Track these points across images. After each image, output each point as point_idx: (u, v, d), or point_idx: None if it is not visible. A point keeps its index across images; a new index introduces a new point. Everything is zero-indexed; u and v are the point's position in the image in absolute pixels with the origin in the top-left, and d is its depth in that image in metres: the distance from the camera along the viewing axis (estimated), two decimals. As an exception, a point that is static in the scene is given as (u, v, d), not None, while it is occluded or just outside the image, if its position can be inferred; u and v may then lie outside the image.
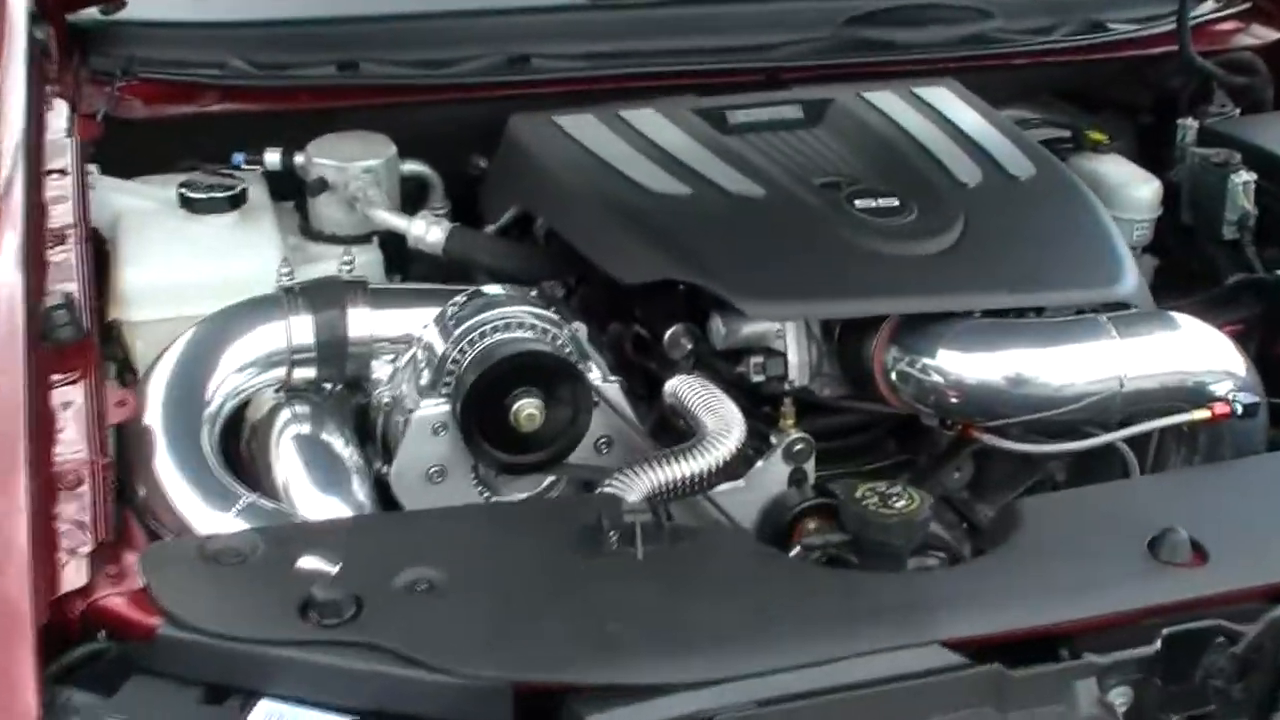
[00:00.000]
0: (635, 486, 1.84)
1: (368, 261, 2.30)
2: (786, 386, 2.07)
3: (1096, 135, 2.72)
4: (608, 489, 1.83)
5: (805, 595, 1.57)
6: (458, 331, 1.92)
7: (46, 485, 1.61)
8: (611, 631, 1.49)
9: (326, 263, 2.26)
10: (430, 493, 1.95)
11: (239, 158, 2.37)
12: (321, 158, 2.33)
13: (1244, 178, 2.55)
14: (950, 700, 1.50)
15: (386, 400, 1.99)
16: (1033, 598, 1.59)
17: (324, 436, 1.97)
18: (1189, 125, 2.76)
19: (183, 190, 2.23)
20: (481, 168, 2.46)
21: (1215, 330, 2.03)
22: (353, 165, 2.32)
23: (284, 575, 1.54)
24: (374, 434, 2.03)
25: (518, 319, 1.94)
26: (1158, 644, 1.58)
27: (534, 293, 2.05)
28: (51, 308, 1.79)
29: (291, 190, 2.41)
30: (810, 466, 2.09)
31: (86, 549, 1.55)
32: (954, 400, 1.98)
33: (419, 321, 2.00)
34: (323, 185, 2.31)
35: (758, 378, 2.07)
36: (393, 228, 2.26)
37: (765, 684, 1.46)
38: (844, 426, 2.19)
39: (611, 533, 1.60)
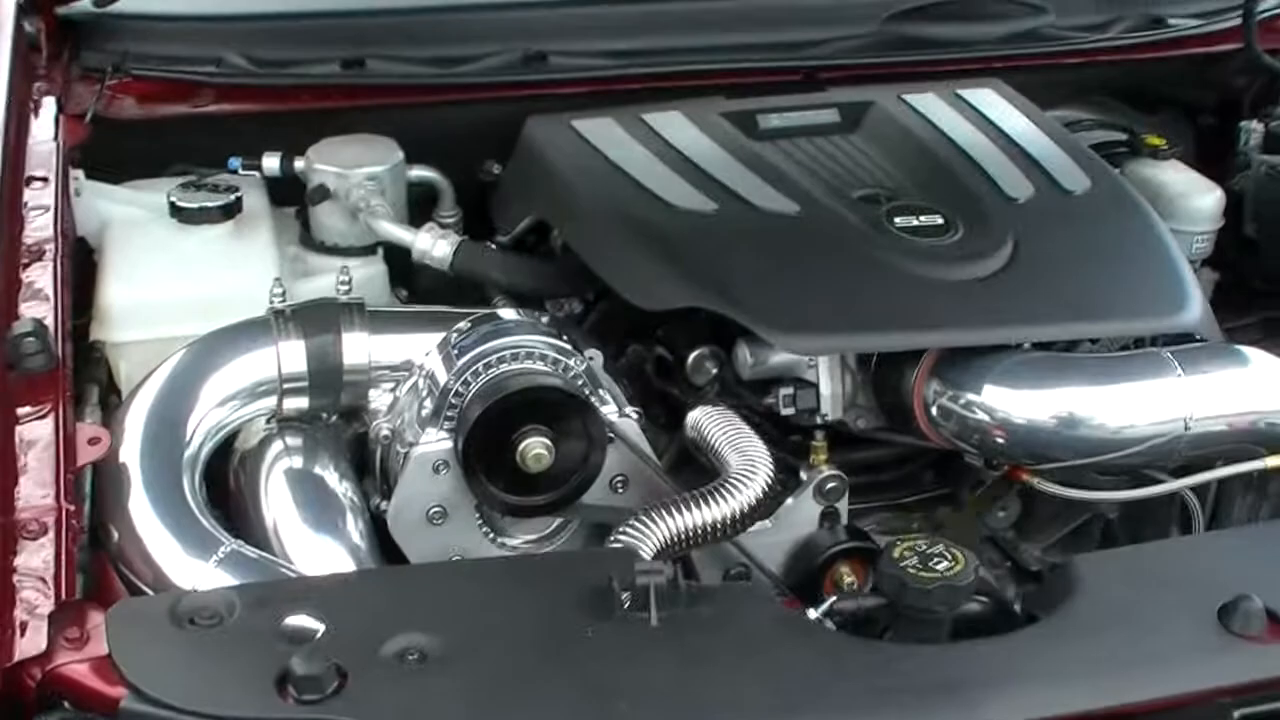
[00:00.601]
0: (652, 534, 1.69)
1: (371, 275, 2.17)
2: (818, 420, 1.92)
3: (1154, 140, 2.55)
4: (622, 538, 1.69)
5: (833, 671, 1.41)
6: (461, 361, 1.76)
7: (5, 534, 1.47)
8: (620, 713, 1.35)
9: (327, 276, 2.10)
10: (430, 534, 1.80)
11: (235, 162, 2.22)
12: (322, 163, 2.18)
13: (1315, 188, 2.38)
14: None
15: (386, 433, 1.84)
16: (1088, 675, 1.43)
17: (317, 471, 1.83)
18: (1253, 128, 2.58)
19: (173, 198, 2.08)
20: (495, 174, 2.30)
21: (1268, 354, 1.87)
22: (355, 172, 2.17)
23: (262, 642, 1.39)
24: (372, 468, 1.89)
25: (527, 348, 1.78)
26: (1229, 725, 1.44)
27: (545, 318, 1.90)
28: (20, 334, 1.65)
29: (294, 195, 2.27)
30: (844, 505, 1.95)
31: (46, 609, 1.41)
32: (999, 440, 1.82)
33: (420, 347, 1.85)
34: (324, 193, 2.16)
35: (787, 410, 1.91)
36: (397, 240, 2.11)
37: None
38: (877, 461, 2.04)
39: (623, 594, 1.45)
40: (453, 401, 1.77)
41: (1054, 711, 1.39)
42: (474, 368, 1.76)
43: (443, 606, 1.48)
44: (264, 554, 1.65)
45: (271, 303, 1.90)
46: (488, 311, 1.87)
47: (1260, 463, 1.76)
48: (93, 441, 1.62)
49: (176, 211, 2.08)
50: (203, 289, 2.00)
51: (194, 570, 1.59)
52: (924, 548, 1.55)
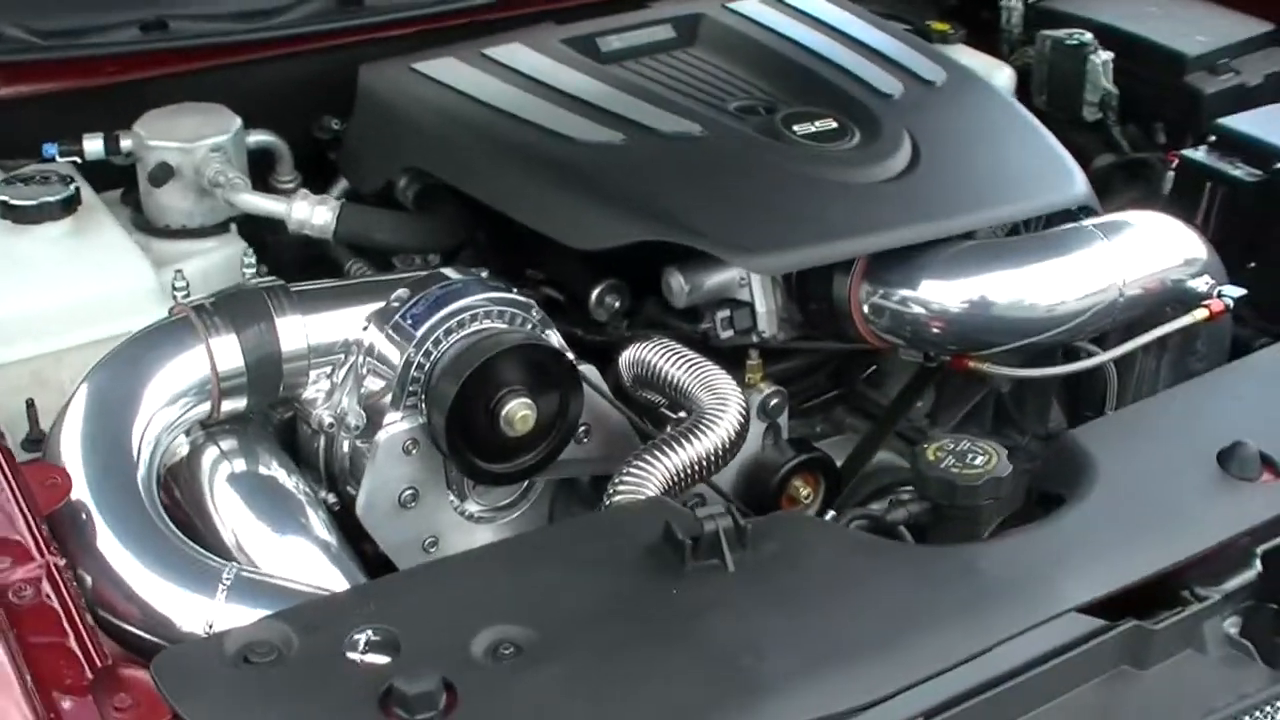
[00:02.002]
0: (652, 477, 1.64)
1: (231, 255, 1.98)
2: (754, 338, 1.90)
3: (940, 25, 2.62)
4: (624, 487, 1.63)
5: (925, 584, 1.41)
6: (420, 333, 1.64)
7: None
8: (748, 666, 1.30)
9: (186, 262, 1.93)
10: (403, 519, 1.68)
11: (51, 148, 1.97)
12: (159, 139, 1.97)
13: (1103, 57, 2.50)
14: (1096, 666, 1.39)
15: (329, 420, 1.70)
16: (1139, 543, 1.48)
17: (263, 471, 1.67)
18: (1013, 6, 2.69)
19: (3, 197, 1.84)
20: (335, 129, 2.15)
21: (1178, 222, 1.97)
22: (199, 145, 1.97)
23: (341, 666, 1.27)
24: (311, 459, 1.74)
25: (484, 307, 1.67)
26: (1257, 566, 1.52)
27: (484, 272, 1.78)
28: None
29: (112, 179, 2.04)
30: (784, 421, 1.94)
31: (80, 680, 1.24)
32: (937, 332, 1.85)
33: (354, 323, 1.71)
34: (167, 172, 1.95)
35: (726, 333, 1.88)
36: (266, 213, 1.94)
37: (923, 694, 1.31)
38: (795, 371, 2.03)
39: (686, 544, 1.40)
40: (415, 376, 1.65)
41: (1124, 582, 1.44)
42: (433, 337, 1.64)
43: (507, 592, 1.38)
44: (267, 573, 1.50)
45: (175, 297, 1.71)
46: (422, 274, 1.74)
47: (1191, 318, 1.86)
48: (52, 482, 1.42)
49: (9, 211, 1.83)
50: (68, 296, 1.78)
51: (201, 606, 1.42)
52: (953, 446, 1.56)
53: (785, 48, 2.18)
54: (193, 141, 1.97)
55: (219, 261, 1.95)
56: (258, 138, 2.07)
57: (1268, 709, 1.44)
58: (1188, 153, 2.24)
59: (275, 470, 1.68)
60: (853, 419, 2.15)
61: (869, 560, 1.45)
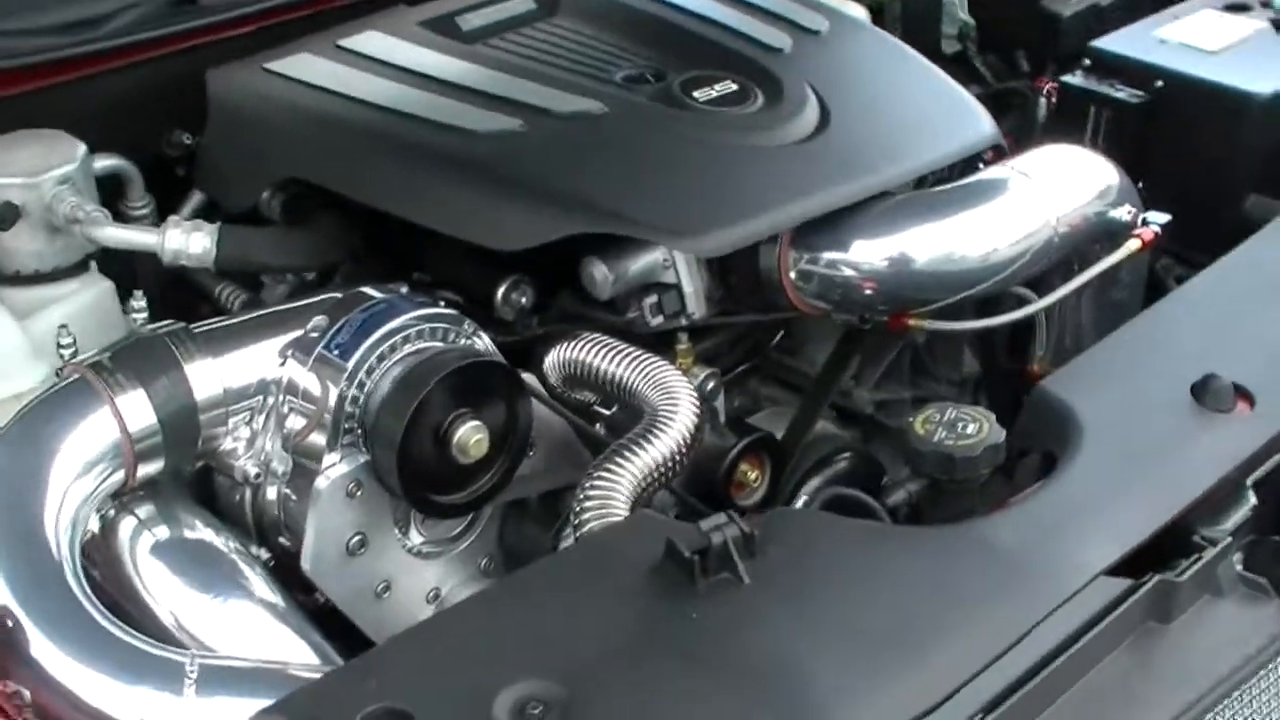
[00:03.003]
0: (617, 490, 1.53)
1: (100, 295, 1.79)
2: (684, 320, 1.79)
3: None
4: (592, 503, 1.51)
5: (946, 569, 1.34)
6: (350, 364, 1.48)
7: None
8: (795, 686, 1.21)
9: (50, 310, 1.73)
10: (352, 567, 1.54)
11: None
12: (-4, 175, 1.76)
13: (958, -11, 2.47)
14: (1127, 627, 1.34)
15: (254, 472, 1.53)
16: (1142, 494, 1.44)
17: (189, 535, 1.50)
18: None
19: None
20: (187, 144, 1.95)
21: (1089, 151, 1.93)
22: (45, 177, 1.75)
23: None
24: (236, 515, 1.58)
25: (414, 327, 1.52)
26: (1251, 499, 1.50)
27: (404, 288, 1.63)
28: None
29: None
30: (721, 403, 1.85)
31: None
32: (870, 293, 1.77)
33: (267, 360, 1.55)
34: (13, 212, 1.73)
35: (656, 319, 1.77)
36: (136, 246, 1.74)
37: (978, 688, 1.24)
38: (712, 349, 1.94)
39: (694, 560, 1.30)
40: (350, 411, 1.49)
41: (1140, 538, 1.39)
42: (366, 365, 1.49)
43: (515, 643, 1.26)
44: (231, 656, 1.34)
45: (61, 355, 1.52)
46: (336, 296, 1.58)
47: (1125, 251, 1.82)
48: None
49: None
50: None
51: (168, 706, 1.26)
52: (940, 417, 1.49)
53: (656, 9, 2.06)
54: (37, 175, 1.75)
55: (87, 305, 1.75)
56: (104, 163, 1.86)
57: (1292, 645, 1.41)
58: (1068, 78, 2.22)
59: (202, 531, 1.51)
60: (768, 389, 2.08)
61: (880, 551, 1.37)
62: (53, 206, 1.74)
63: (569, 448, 1.66)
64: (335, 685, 1.23)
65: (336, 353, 1.50)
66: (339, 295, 1.58)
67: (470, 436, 1.48)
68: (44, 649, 1.28)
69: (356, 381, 1.49)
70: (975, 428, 1.48)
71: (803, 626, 1.27)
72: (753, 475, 1.81)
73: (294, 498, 1.54)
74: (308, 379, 1.52)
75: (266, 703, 1.26)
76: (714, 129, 1.80)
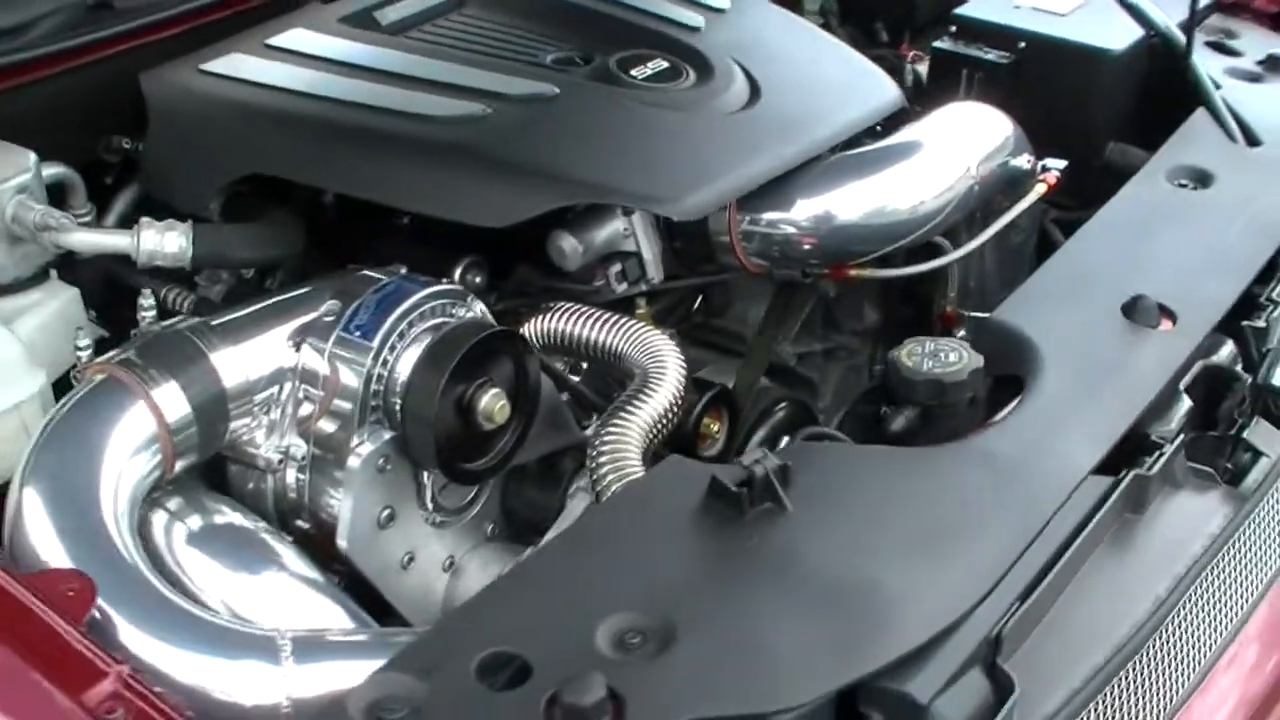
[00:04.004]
0: (628, 445, 1.62)
1: (67, 302, 1.78)
2: (644, 285, 1.89)
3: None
4: (606, 458, 1.60)
5: (962, 479, 1.48)
6: (375, 343, 1.54)
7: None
8: (864, 594, 1.32)
9: (20, 321, 1.72)
10: (382, 541, 1.59)
11: None
12: (-49, 189, 1.73)
13: (816, -36, 2.62)
14: (1112, 520, 1.50)
15: (277, 458, 1.57)
16: (1105, 402, 1.61)
17: (219, 521, 1.53)
18: None
19: None
20: (126, 148, 1.95)
21: (986, 107, 2.09)
22: (4, 187, 1.74)
23: (485, 703, 1.20)
24: (251, 501, 1.61)
25: (427, 304, 1.59)
26: (1187, 401, 1.68)
27: (403, 268, 1.68)
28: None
29: None
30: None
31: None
32: (808, 248, 1.90)
33: (277, 348, 1.58)
34: (-23, 224, 1.72)
35: (621, 285, 1.87)
36: (108, 249, 1.74)
37: (1012, 581, 1.37)
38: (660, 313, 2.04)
39: (742, 493, 1.40)
40: (376, 389, 1.54)
41: (1114, 439, 1.56)
42: (389, 344, 1.54)
43: (593, 584, 1.34)
44: (314, 629, 1.38)
45: (79, 359, 1.52)
46: (332, 281, 1.62)
47: (1034, 195, 1.99)
48: (70, 589, 1.24)
49: None
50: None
51: (270, 678, 1.30)
52: (922, 349, 1.63)
53: None
54: (-5, 185, 1.75)
55: (55, 313, 1.75)
56: (50, 170, 1.84)
57: (1244, 525, 1.60)
58: (939, 44, 2.39)
59: (230, 516, 1.54)
60: (695, 351, 2.19)
61: (898, 470, 1.50)
62: (18, 215, 1.74)
63: (557, 414, 1.74)
64: (443, 636, 1.30)
65: (358, 334, 1.55)
66: (338, 280, 1.63)
67: (494, 404, 1.56)
68: (134, 636, 1.30)
69: (381, 360, 1.55)
70: (956, 356, 1.62)
71: (850, 541, 1.40)
72: (714, 427, 1.92)
73: (316, 480, 1.59)
74: (329, 362, 1.56)
75: (360, 665, 1.32)
76: (658, 103, 1.90)
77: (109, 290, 1.90)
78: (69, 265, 1.86)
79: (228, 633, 1.33)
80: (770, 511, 1.41)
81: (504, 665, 1.24)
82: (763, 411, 2.01)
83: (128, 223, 1.89)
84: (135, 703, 1.16)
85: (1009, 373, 1.66)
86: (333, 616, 1.49)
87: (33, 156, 1.80)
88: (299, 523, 1.61)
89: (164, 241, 1.73)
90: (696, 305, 2.17)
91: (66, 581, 1.25)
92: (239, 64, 1.94)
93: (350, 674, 1.30)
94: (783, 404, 2.03)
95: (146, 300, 1.63)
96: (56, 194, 1.89)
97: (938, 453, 1.53)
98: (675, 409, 1.68)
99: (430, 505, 1.64)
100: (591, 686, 1.19)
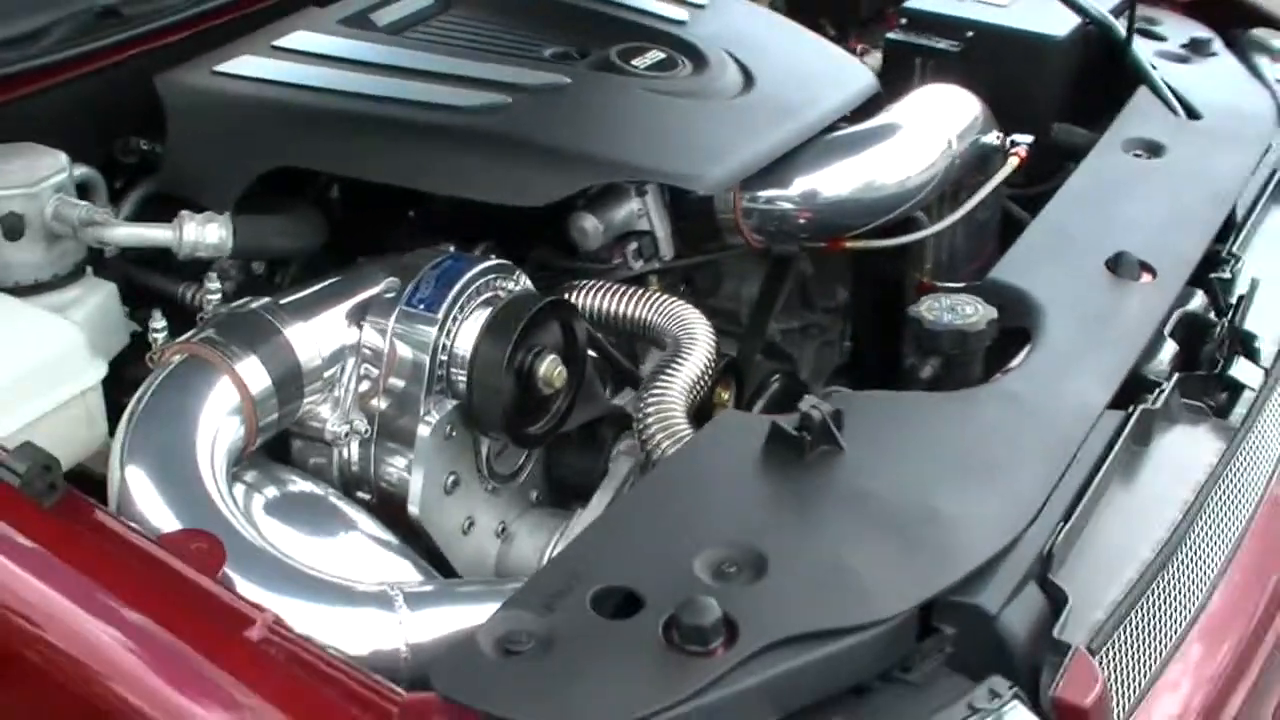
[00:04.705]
0: (673, 405, 1.72)
1: (108, 297, 1.82)
2: (657, 263, 1.99)
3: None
4: (653, 417, 1.69)
5: (996, 418, 1.61)
6: (440, 314, 1.62)
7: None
8: (928, 523, 1.44)
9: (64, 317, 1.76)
10: (448, 505, 1.67)
11: None
12: (-5, 188, 1.76)
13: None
14: (1126, 448, 1.64)
15: (344, 430, 1.64)
16: (1105, 346, 1.75)
17: (293, 490, 1.60)
18: None
19: None
20: (144, 149, 1.99)
21: (956, 88, 2.23)
22: (43, 186, 1.78)
23: (607, 631, 1.29)
24: (314, 473, 1.67)
25: (483, 278, 1.68)
26: (1172, 345, 1.83)
27: (451, 247, 1.76)
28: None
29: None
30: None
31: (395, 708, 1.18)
32: (803, 222, 2.03)
33: (338, 325, 1.65)
34: (20, 222, 1.75)
35: (638, 263, 1.97)
36: (151, 243, 1.79)
37: (1054, 506, 1.50)
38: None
39: (804, 436, 1.51)
40: (443, 359, 1.62)
41: (1122, 377, 1.70)
42: (452, 315, 1.62)
43: (680, 524, 1.44)
44: (424, 579, 1.45)
45: (154, 340, 1.57)
46: (389, 259, 1.70)
47: (1007, 169, 2.12)
48: (199, 547, 1.30)
49: None
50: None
51: (388, 626, 1.37)
52: (940, 303, 1.75)
53: None
54: (34, 185, 1.78)
55: (96, 308, 1.79)
56: (78, 171, 1.89)
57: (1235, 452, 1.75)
58: (892, 35, 2.53)
59: (304, 485, 1.61)
60: None
61: (935, 412, 1.63)
62: (59, 213, 1.78)
63: (590, 385, 1.84)
64: (556, 575, 1.38)
65: (422, 307, 1.63)
66: (390, 260, 1.71)
67: (552, 369, 1.65)
68: (254, 593, 1.35)
69: (445, 331, 1.63)
70: (972, 309, 1.75)
71: (904, 475, 1.52)
72: (725, 396, 2.02)
73: (379, 452, 1.66)
74: (391, 336, 1.64)
75: (470, 611, 1.41)
76: (664, 91, 2.01)
77: (126, 289, 1.96)
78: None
79: (342, 587, 1.40)
80: (828, 453, 1.53)
81: (615, 597, 1.34)
82: (760, 383, 2.13)
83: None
84: (285, 645, 1.23)
85: (1014, 325, 1.80)
86: (408, 575, 1.57)
87: (65, 157, 1.84)
88: (361, 494, 1.69)
89: (205, 233, 1.79)
90: (683, 288, 2.29)
91: (194, 540, 1.31)
92: (253, 65, 2.01)
93: (461, 619, 1.39)
94: (776, 376, 2.15)
95: (213, 284, 1.69)
96: (81, 194, 1.94)
97: (969, 395, 1.66)
98: (709, 373, 1.79)
99: (486, 472, 1.72)
100: (707, 609, 1.29)
